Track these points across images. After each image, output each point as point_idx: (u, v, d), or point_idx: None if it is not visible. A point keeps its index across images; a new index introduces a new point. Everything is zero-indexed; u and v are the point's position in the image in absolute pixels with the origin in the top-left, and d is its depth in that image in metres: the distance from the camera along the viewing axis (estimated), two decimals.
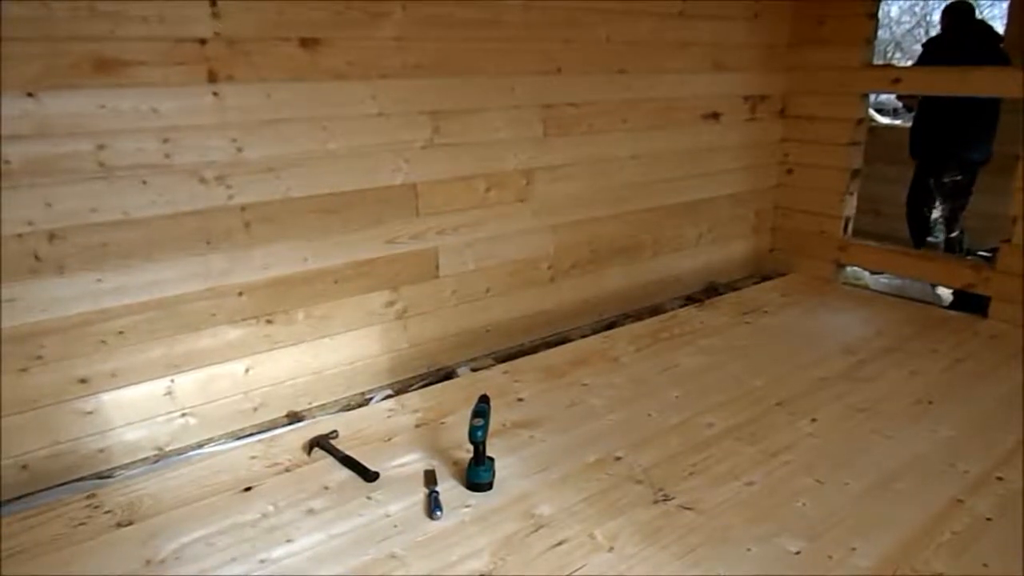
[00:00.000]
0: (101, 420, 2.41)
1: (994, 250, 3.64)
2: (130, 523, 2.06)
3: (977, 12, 4.89)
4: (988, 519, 2.03)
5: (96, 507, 2.13)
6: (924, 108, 4.62)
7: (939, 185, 4.48)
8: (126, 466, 2.48)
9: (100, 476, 2.41)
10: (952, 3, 4.62)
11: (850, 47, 3.93)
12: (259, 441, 2.53)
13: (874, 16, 3.90)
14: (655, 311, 3.85)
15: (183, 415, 2.58)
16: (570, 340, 3.44)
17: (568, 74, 3.26)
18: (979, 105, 4.28)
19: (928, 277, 4.08)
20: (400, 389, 3.01)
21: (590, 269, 3.66)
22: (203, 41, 2.32)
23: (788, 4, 4.09)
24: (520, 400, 2.76)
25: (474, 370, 3.16)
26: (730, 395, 2.78)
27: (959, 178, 4.49)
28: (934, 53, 4.44)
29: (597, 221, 3.61)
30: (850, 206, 4.20)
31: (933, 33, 4.78)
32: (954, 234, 4.64)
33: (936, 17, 4.59)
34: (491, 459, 2.22)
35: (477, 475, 2.18)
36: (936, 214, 4.59)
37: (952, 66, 3.83)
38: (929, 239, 4.67)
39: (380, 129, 2.76)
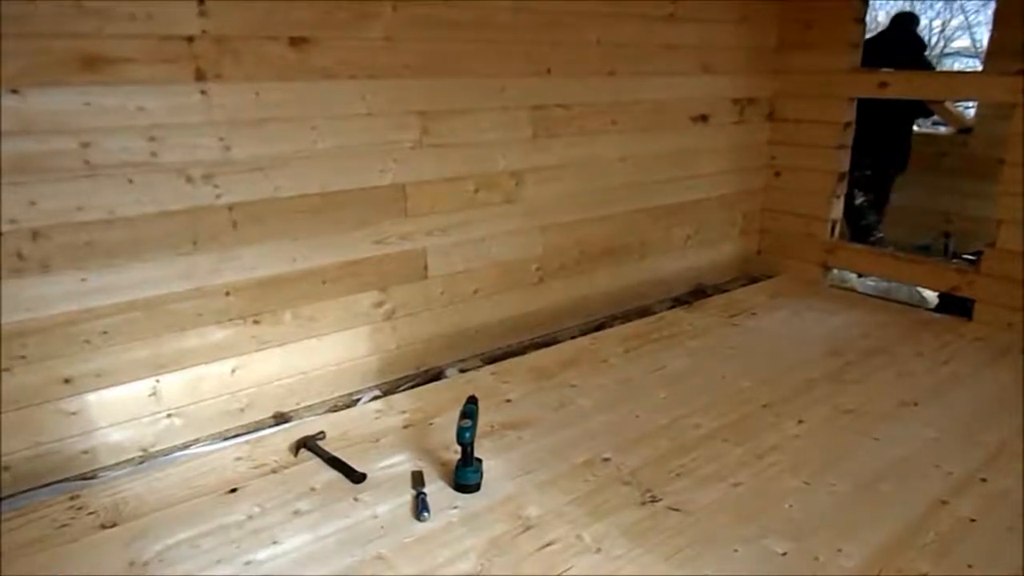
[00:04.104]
0: (85, 421, 2.39)
1: (978, 253, 3.67)
2: (114, 525, 2.04)
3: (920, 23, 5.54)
4: (972, 520, 2.04)
5: (79, 508, 2.11)
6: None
7: (853, 177, 4.72)
8: (110, 467, 2.45)
9: (84, 477, 2.39)
10: (902, 11, 5.17)
11: (837, 51, 3.95)
12: (245, 442, 2.51)
13: (861, 20, 3.93)
14: (643, 313, 3.86)
15: (168, 416, 2.55)
16: (559, 341, 3.44)
17: (558, 76, 3.26)
18: (896, 118, 4.56)
19: (914, 280, 4.11)
20: (388, 390, 3.00)
21: (579, 270, 3.66)
22: (190, 39, 2.30)
23: (775, 8, 4.11)
24: (508, 401, 2.76)
25: (462, 371, 3.16)
26: (717, 396, 2.79)
27: (868, 173, 4.77)
28: (876, 48, 4.55)
29: (586, 222, 3.61)
30: (837, 209, 4.22)
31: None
32: (868, 221, 4.95)
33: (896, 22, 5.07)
34: (479, 460, 2.22)
35: (465, 476, 2.17)
36: (860, 200, 4.86)
37: (890, 62, 4.06)
38: (862, 223, 4.92)
39: (369, 129, 2.75)
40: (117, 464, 2.47)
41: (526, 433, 2.52)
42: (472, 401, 2.26)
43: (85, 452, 2.41)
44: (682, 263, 4.17)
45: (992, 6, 5.63)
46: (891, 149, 4.81)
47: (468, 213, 3.14)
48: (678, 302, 4.05)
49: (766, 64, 4.18)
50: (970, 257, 3.96)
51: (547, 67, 3.22)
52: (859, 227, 4.91)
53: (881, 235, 4.95)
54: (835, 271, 4.36)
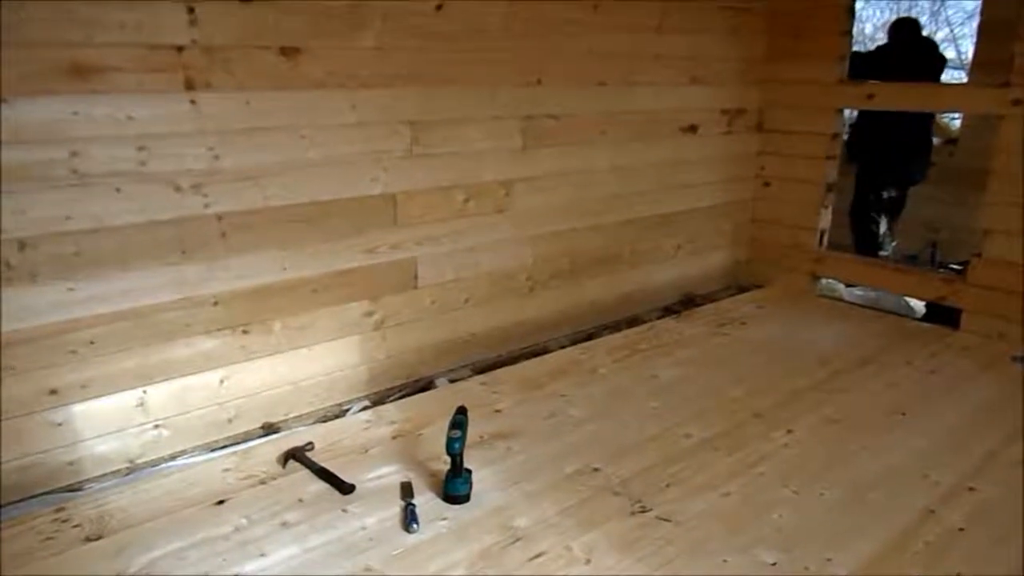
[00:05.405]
0: (71, 432, 2.36)
1: (965, 263, 3.70)
2: (99, 537, 2.02)
3: (925, 30, 5.39)
4: (960, 529, 2.05)
5: (64, 521, 2.09)
6: (866, 118, 4.76)
7: (879, 200, 4.66)
8: (96, 479, 2.43)
9: (70, 489, 2.36)
10: (901, 18, 5.04)
11: (825, 63, 3.99)
12: (233, 453, 2.49)
13: (848, 33, 3.97)
14: (633, 322, 3.86)
15: (155, 427, 2.53)
16: (548, 351, 3.44)
17: (548, 86, 3.27)
18: (919, 126, 4.49)
19: (901, 289, 4.14)
20: (377, 400, 2.99)
21: (569, 280, 3.67)
22: (180, 48, 2.30)
23: (765, 20, 4.15)
24: (498, 411, 2.75)
25: (452, 381, 3.15)
26: (707, 406, 2.79)
27: (895, 194, 4.78)
28: (881, 62, 4.59)
29: (576, 232, 3.62)
30: (825, 219, 4.25)
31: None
32: (893, 243, 4.92)
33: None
34: (468, 471, 2.21)
35: (454, 487, 2.17)
36: (883, 228, 4.77)
37: (900, 77, 4.08)
38: (881, 254, 4.83)
39: (359, 138, 2.75)
40: (103, 476, 2.44)
41: (516, 443, 2.52)
42: (461, 412, 2.25)
43: (71, 464, 2.39)
44: (672, 273, 4.19)
45: (976, 19, 5.70)
46: (917, 160, 4.79)
47: (458, 223, 3.14)
48: (668, 311, 4.06)
49: (755, 75, 4.21)
50: (956, 267, 3.99)
51: (537, 77, 3.23)
52: (875, 254, 4.88)
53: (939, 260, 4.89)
54: (824, 280, 4.38)
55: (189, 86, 2.34)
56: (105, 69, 2.19)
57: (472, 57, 2.99)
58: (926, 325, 3.82)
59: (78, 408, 2.36)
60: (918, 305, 4.20)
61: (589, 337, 3.67)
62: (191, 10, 2.29)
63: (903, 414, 2.74)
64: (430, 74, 2.88)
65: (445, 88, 2.94)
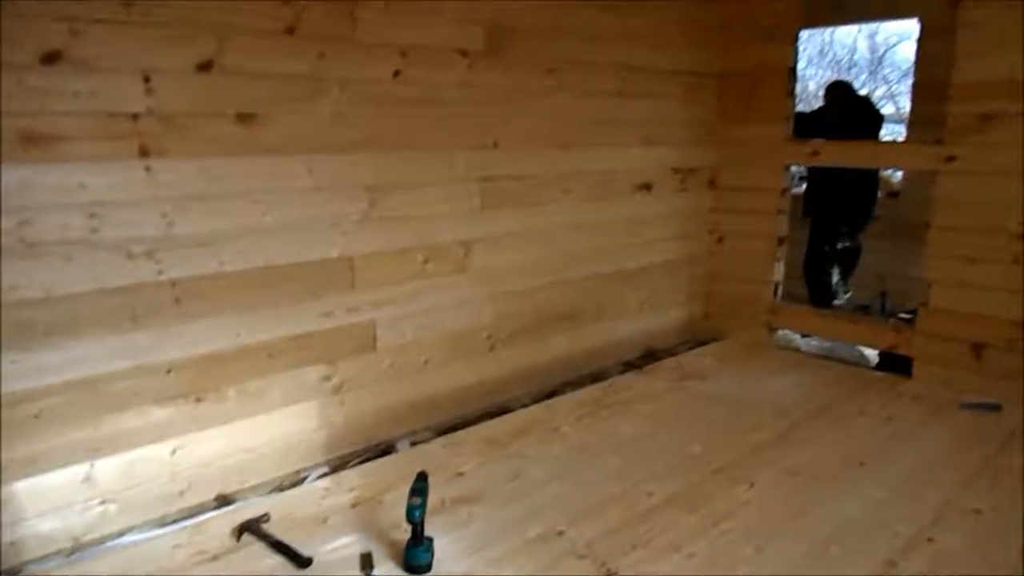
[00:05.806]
0: (12, 511, 2.26)
1: (913, 312, 3.81)
2: None
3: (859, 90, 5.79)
4: None
5: None
6: (817, 173, 5.00)
7: (833, 251, 4.81)
8: (38, 560, 2.31)
9: (11, 572, 2.25)
10: (836, 81, 5.43)
11: (772, 122, 4.15)
12: (184, 528, 2.40)
13: (792, 94, 4.15)
14: (595, 378, 3.87)
15: (102, 502, 2.43)
16: (511, 410, 3.42)
17: (505, 148, 3.34)
18: (867, 177, 4.70)
19: (855, 339, 4.23)
20: (336, 466, 2.92)
21: (530, 338, 3.68)
22: (135, 116, 2.30)
23: (715, 84, 4.32)
24: (460, 474, 2.71)
25: (413, 444, 3.10)
26: (670, 462, 2.79)
27: (849, 244, 4.99)
28: (821, 121, 4.83)
29: (536, 290, 3.65)
30: (779, 272, 4.36)
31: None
32: (848, 294, 5.08)
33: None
34: (429, 539, 2.16)
35: (415, 556, 2.11)
36: (836, 278, 4.92)
37: (840, 134, 4.30)
38: (835, 303, 4.98)
39: (316, 203, 2.76)
40: (45, 556, 2.33)
41: (478, 508, 2.47)
42: (422, 477, 2.21)
43: (11, 544, 2.27)
44: (631, 328, 4.23)
45: (911, 78, 6.03)
46: (862, 208, 5.04)
47: (417, 284, 3.14)
48: (629, 366, 4.08)
49: (707, 136, 4.36)
50: (905, 316, 4.11)
51: (494, 140, 3.29)
52: (829, 304, 5.02)
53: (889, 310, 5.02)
54: (780, 332, 4.46)
55: (143, 153, 2.33)
56: (58, 137, 2.17)
57: (429, 123, 3.05)
58: (879, 374, 3.90)
59: (20, 485, 2.26)
60: (872, 354, 4.30)
61: (551, 394, 3.66)
62: (147, 79, 2.30)
63: (861, 464, 2.77)
64: (388, 139, 2.92)
65: (403, 152, 2.98)
